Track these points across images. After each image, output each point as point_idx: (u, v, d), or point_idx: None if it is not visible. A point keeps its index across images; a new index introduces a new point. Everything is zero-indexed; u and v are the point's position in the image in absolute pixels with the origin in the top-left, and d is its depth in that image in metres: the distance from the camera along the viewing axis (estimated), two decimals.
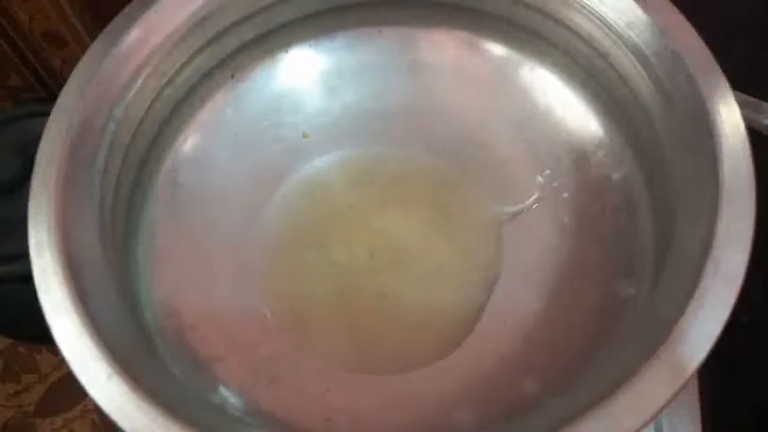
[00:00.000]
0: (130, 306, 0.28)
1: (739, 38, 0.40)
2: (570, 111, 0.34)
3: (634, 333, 0.26)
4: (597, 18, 0.31)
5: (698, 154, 0.27)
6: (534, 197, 0.33)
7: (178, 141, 0.34)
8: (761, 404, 0.42)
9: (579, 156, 0.33)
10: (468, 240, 0.32)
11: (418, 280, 0.31)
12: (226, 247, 0.32)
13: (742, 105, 0.27)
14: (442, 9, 0.35)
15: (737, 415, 0.43)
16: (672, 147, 0.28)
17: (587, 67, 0.33)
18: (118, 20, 0.30)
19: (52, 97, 0.29)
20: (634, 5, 0.29)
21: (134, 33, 0.30)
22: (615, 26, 0.30)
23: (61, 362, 0.40)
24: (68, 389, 0.60)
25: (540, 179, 0.33)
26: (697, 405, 0.31)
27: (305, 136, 0.35)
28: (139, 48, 0.30)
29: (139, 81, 0.30)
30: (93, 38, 0.30)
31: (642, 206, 0.31)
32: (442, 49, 0.36)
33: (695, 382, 0.31)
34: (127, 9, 0.30)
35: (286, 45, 0.36)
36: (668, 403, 0.22)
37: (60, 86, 0.28)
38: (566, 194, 0.32)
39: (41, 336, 0.23)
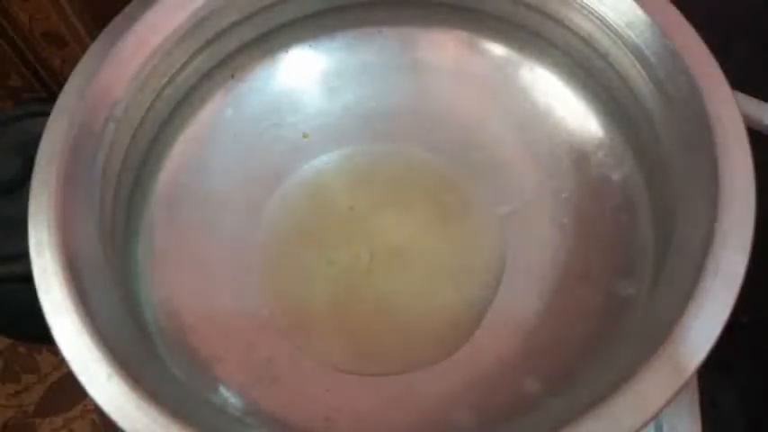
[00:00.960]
0: (130, 306, 0.28)
1: (739, 38, 0.40)
2: (570, 111, 0.34)
3: (634, 333, 0.26)
4: (597, 18, 0.31)
5: (698, 154, 0.27)
6: (534, 197, 0.33)
7: (178, 141, 0.34)
8: (761, 404, 0.42)
9: (579, 156, 0.33)
10: (469, 241, 0.32)
11: (419, 281, 0.31)
12: (226, 248, 0.32)
13: (742, 105, 0.27)
14: (442, 9, 0.35)
15: (737, 415, 0.43)
16: (672, 147, 0.28)
17: (587, 68, 0.33)
18: (118, 20, 0.30)
19: (52, 97, 0.29)
20: (634, 6, 0.29)
21: (134, 33, 0.30)
22: (615, 26, 0.30)
23: (61, 362, 0.40)
24: (68, 389, 0.60)
25: (540, 179, 0.33)
26: (697, 405, 0.31)
27: (305, 136, 0.35)
28: (139, 48, 0.30)
29: (139, 81, 0.30)
30: (93, 38, 0.30)
31: (642, 206, 0.31)
32: (442, 49, 0.36)
33: (695, 382, 0.31)
34: (127, 9, 0.30)
35: (286, 45, 0.36)
36: (668, 403, 0.22)
37: (60, 86, 0.28)
38: (566, 194, 0.32)
39: (41, 336, 0.23)
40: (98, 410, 0.22)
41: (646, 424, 0.21)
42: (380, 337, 0.30)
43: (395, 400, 0.28)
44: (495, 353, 0.29)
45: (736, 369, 0.40)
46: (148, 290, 0.30)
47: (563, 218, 0.32)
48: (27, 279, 0.24)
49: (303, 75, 0.36)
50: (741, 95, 0.28)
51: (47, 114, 0.28)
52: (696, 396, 0.31)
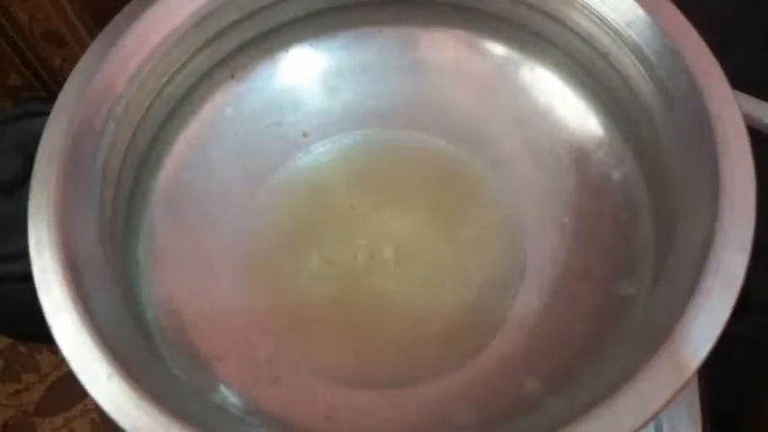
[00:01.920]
0: (130, 306, 0.28)
1: (739, 38, 0.40)
2: (570, 110, 0.34)
3: (634, 333, 0.26)
4: (597, 17, 0.31)
5: (698, 154, 0.27)
6: (534, 196, 0.33)
7: (178, 140, 0.34)
8: (761, 404, 0.42)
9: (579, 155, 0.33)
10: (469, 240, 0.32)
11: (419, 280, 0.31)
12: (226, 247, 0.32)
13: (742, 105, 0.27)
14: (443, 9, 0.35)
15: (737, 415, 0.43)
16: (672, 147, 0.28)
17: (587, 67, 0.33)
18: (118, 19, 0.30)
19: (52, 97, 0.29)
20: (634, 5, 0.29)
21: (134, 32, 0.30)
22: (615, 26, 0.30)
23: (61, 361, 0.40)
24: (68, 388, 0.60)
25: (539, 178, 0.33)
26: (697, 405, 0.31)
27: (305, 135, 0.35)
28: (139, 47, 0.30)
29: (139, 80, 0.30)
30: (93, 37, 0.30)
31: (642, 206, 0.31)
32: (443, 48, 0.36)
33: (695, 382, 0.31)
34: (127, 8, 0.30)
35: (286, 44, 0.36)
36: (668, 403, 0.22)
37: (60, 86, 0.28)
38: (565, 194, 0.32)
39: (42, 335, 0.23)
40: (98, 410, 0.22)
41: (646, 424, 0.21)
42: (380, 337, 0.30)
43: (395, 400, 0.28)
44: (496, 353, 0.29)
45: (736, 369, 0.40)
46: (148, 289, 0.30)
47: (563, 217, 0.32)
48: (27, 279, 0.24)
49: (303, 74, 0.36)
50: (741, 95, 0.28)
51: (47, 114, 0.28)
52: (696, 396, 0.31)
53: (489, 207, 0.33)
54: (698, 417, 0.31)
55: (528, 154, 0.34)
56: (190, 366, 0.29)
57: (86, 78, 0.28)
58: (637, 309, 0.28)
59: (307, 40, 0.36)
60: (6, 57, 0.53)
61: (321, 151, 0.34)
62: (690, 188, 0.27)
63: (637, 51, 0.30)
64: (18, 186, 0.47)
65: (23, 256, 0.25)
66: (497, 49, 0.36)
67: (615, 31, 0.30)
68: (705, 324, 0.23)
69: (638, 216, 0.31)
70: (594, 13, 0.31)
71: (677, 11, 0.29)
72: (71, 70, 0.29)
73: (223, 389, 0.28)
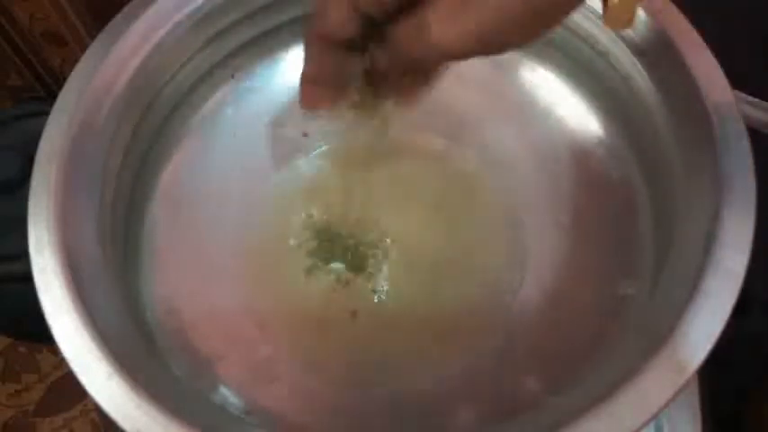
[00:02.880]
0: (130, 306, 0.28)
1: (739, 38, 0.40)
2: (570, 110, 0.34)
3: (634, 333, 0.26)
4: (597, 17, 0.31)
5: (698, 154, 0.27)
6: (534, 196, 0.33)
7: (178, 140, 0.34)
8: (761, 404, 0.42)
9: (579, 155, 0.33)
10: (470, 240, 0.32)
11: (420, 280, 0.31)
12: (226, 247, 0.32)
13: (742, 105, 0.27)
14: None
15: (737, 415, 0.43)
16: (672, 146, 0.28)
17: (587, 67, 0.33)
18: (118, 19, 0.30)
19: (52, 97, 0.29)
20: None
21: (134, 33, 0.30)
22: None
23: (61, 361, 0.40)
24: (68, 388, 0.60)
25: (540, 178, 0.33)
26: (697, 405, 0.31)
27: (305, 135, 0.35)
28: (139, 47, 0.30)
29: (139, 81, 0.30)
30: (93, 37, 0.30)
31: (642, 206, 0.31)
32: None
33: (695, 382, 0.31)
34: (126, 8, 0.30)
35: (286, 44, 0.36)
36: (668, 403, 0.22)
37: (60, 86, 0.28)
38: (566, 194, 0.32)
39: (42, 335, 0.23)
40: (98, 410, 0.22)
41: (646, 423, 0.21)
42: (381, 337, 0.30)
43: (395, 399, 0.28)
44: (496, 352, 0.29)
45: (736, 369, 0.40)
46: (149, 289, 0.30)
47: (563, 217, 0.32)
48: (27, 278, 0.24)
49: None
50: (741, 95, 0.28)
51: (47, 114, 0.28)
52: (696, 396, 0.31)
53: (489, 207, 0.33)
54: (698, 417, 0.31)
55: (528, 154, 0.34)
56: (190, 366, 0.29)
57: (86, 78, 0.28)
58: (637, 309, 0.28)
59: None
60: (6, 57, 0.53)
61: (321, 151, 0.34)
62: (690, 188, 0.27)
63: (637, 51, 0.30)
64: (18, 186, 0.47)
65: (23, 256, 0.25)
66: None
67: (615, 30, 0.30)
68: (705, 324, 0.23)
69: (638, 216, 0.31)
70: (594, 13, 0.31)
71: (677, 11, 0.29)
72: (71, 70, 0.29)
73: (223, 388, 0.28)
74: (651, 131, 0.30)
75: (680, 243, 0.26)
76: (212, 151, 0.34)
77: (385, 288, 0.31)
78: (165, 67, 0.31)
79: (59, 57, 0.53)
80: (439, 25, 0.20)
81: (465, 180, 0.33)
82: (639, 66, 0.30)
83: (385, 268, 0.31)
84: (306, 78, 0.24)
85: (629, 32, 0.30)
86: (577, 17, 0.32)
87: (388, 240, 0.32)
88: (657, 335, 0.23)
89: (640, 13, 0.29)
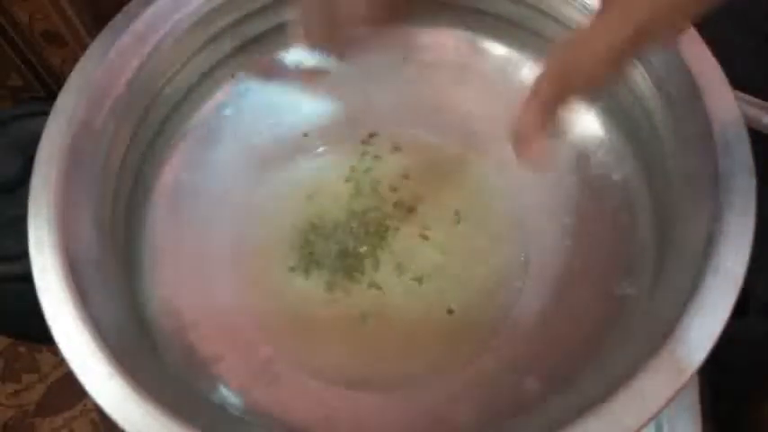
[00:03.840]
0: (130, 306, 0.28)
1: (739, 38, 0.40)
2: (570, 110, 0.34)
3: (634, 333, 0.26)
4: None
5: (698, 154, 0.27)
6: (534, 197, 0.33)
7: (178, 140, 0.34)
8: (760, 404, 0.42)
9: (579, 155, 0.33)
10: (470, 242, 0.32)
11: (420, 281, 0.31)
12: (226, 247, 0.32)
13: (742, 105, 0.27)
14: (443, 9, 0.35)
15: (737, 415, 0.43)
16: (672, 146, 0.28)
17: None
18: (117, 19, 0.30)
19: (52, 97, 0.29)
20: None
21: (134, 32, 0.30)
22: None
23: (61, 361, 0.40)
24: (68, 388, 0.60)
25: (540, 179, 0.33)
26: (697, 405, 0.31)
27: (305, 135, 0.35)
28: (139, 47, 0.30)
29: (139, 81, 0.30)
30: (93, 37, 0.30)
31: (642, 206, 0.31)
32: (443, 48, 0.36)
33: (695, 382, 0.31)
34: (126, 8, 0.30)
35: (286, 44, 0.36)
36: (668, 403, 0.22)
37: (60, 86, 0.28)
38: (566, 194, 0.32)
39: (42, 335, 0.23)
40: (98, 410, 0.22)
41: (646, 424, 0.21)
42: (380, 337, 0.30)
43: (395, 400, 0.28)
44: (496, 353, 0.29)
45: (736, 369, 0.40)
46: (148, 289, 0.30)
47: (563, 218, 0.32)
48: (27, 278, 0.24)
49: (303, 74, 0.36)
50: (741, 95, 0.28)
51: (47, 114, 0.28)
52: (696, 396, 0.31)
53: (490, 207, 0.33)
54: (698, 417, 0.31)
55: None
56: (190, 366, 0.29)
57: (86, 78, 0.28)
58: (637, 309, 0.28)
59: None
60: (6, 57, 0.53)
61: (320, 151, 0.34)
62: (690, 188, 0.27)
63: None
64: (18, 186, 0.47)
65: (23, 256, 0.25)
66: (497, 49, 0.36)
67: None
68: (705, 324, 0.23)
69: (638, 216, 0.31)
70: (594, 13, 0.31)
71: None
72: (71, 70, 0.29)
73: (222, 389, 0.28)
74: (651, 132, 0.30)
75: (680, 243, 0.26)
76: (212, 151, 0.34)
77: (385, 289, 0.31)
78: (165, 66, 0.31)
79: (59, 57, 0.53)
80: None
81: (465, 180, 0.33)
82: (640, 66, 0.30)
83: (385, 269, 0.31)
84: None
85: None
86: (578, 17, 0.32)
87: (388, 241, 0.32)
88: (657, 335, 0.23)
89: None
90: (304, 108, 0.35)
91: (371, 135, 0.35)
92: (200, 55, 0.33)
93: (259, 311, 0.30)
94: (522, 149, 0.24)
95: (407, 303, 0.31)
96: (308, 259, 0.32)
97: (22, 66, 0.54)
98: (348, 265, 0.31)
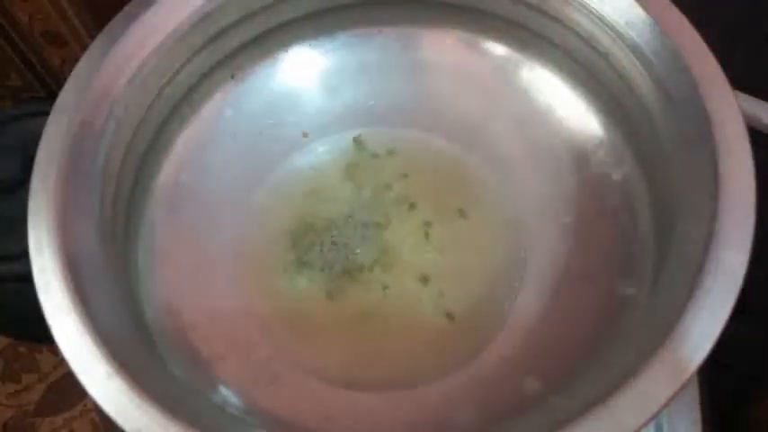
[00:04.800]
0: (130, 306, 0.28)
1: (739, 38, 0.40)
2: (570, 111, 0.34)
3: (634, 333, 0.26)
4: (597, 17, 0.31)
5: (698, 154, 0.27)
6: (534, 197, 0.33)
7: (178, 141, 0.34)
8: (760, 404, 0.42)
9: (579, 155, 0.33)
10: (471, 241, 0.32)
11: (421, 281, 0.31)
12: (226, 247, 0.32)
13: (742, 105, 0.27)
14: (442, 9, 0.35)
15: (737, 415, 0.43)
16: (672, 146, 0.28)
17: (587, 67, 0.33)
18: (118, 19, 0.30)
19: (52, 97, 0.29)
20: (634, 5, 0.29)
21: (134, 33, 0.30)
22: (615, 25, 0.30)
23: (61, 361, 0.40)
24: (68, 388, 0.60)
25: (540, 179, 0.33)
26: (697, 405, 0.31)
27: (305, 135, 0.35)
28: (139, 47, 0.30)
29: (139, 80, 0.30)
30: (92, 38, 0.30)
31: (642, 206, 0.31)
32: (443, 48, 0.36)
33: (695, 382, 0.31)
34: (126, 8, 0.30)
35: (286, 45, 0.36)
36: (668, 403, 0.22)
37: (60, 86, 0.28)
38: (566, 194, 0.32)
39: (42, 335, 0.23)
40: (98, 410, 0.22)
41: (646, 424, 0.21)
42: (380, 338, 0.30)
43: (395, 400, 0.28)
44: (496, 353, 0.29)
45: (736, 369, 0.40)
46: (148, 290, 0.30)
47: (563, 217, 0.32)
48: (27, 278, 0.24)
49: (303, 74, 0.36)
50: (741, 95, 0.28)
51: (47, 114, 0.28)
52: (696, 396, 0.31)
53: (489, 207, 0.33)
54: (698, 417, 0.31)
55: (528, 154, 0.34)
56: (190, 366, 0.29)
57: (86, 78, 0.28)
58: (637, 309, 0.28)
59: (306, 40, 0.36)
60: (6, 57, 0.53)
61: (321, 151, 0.34)
62: (690, 188, 0.27)
63: (637, 51, 0.30)
64: (18, 186, 0.47)
65: (23, 256, 0.25)
66: (497, 49, 0.36)
67: (615, 31, 0.30)
68: (705, 324, 0.23)
69: (638, 216, 0.31)
70: (594, 13, 0.31)
71: (677, 10, 0.29)
72: (71, 70, 0.29)
73: (223, 389, 0.28)
74: (651, 132, 0.30)
75: (680, 243, 0.26)
76: (212, 151, 0.34)
77: (385, 289, 0.31)
78: (166, 66, 0.31)
79: (59, 57, 0.53)
80: None
81: (465, 180, 0.33)
82: (639, 66, 0.30)
83: (385, 269, 0.31)
84: None
85: (629, 32, 0.30)
86: (578, 17, 0.32)
87: (387, 241, 0.32)
88: (657, 335, 0.23)
89: (640, 13, 0.29)
90: (304, 108, 0.35)
91: (371, 135, 0.35)
92: (200, 55, 0.33)
93: (259, 311, 0.30)
94: None
95: (407, 303, 0.31)
96: (308, 259, 0.32)
97: (22, 66, 0.54)
98: (348, 264, 0.31)
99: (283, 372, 0.29)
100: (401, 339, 0.30)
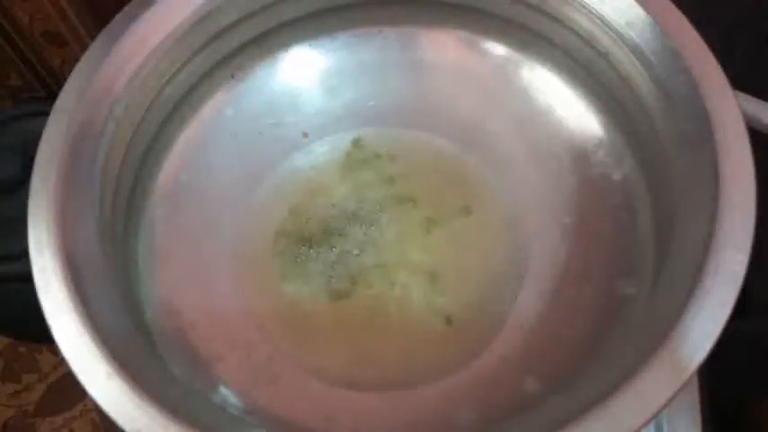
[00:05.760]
0: (130, 306, 0.28)
1: (739, 37, 0.40)
2: (570, 111, 0.34)
3: (634, 333, 0.26)
4: (597, 17, 0.31)
5: (698, 154, 0.27)
6: (534, 197, 0.33)
7: (178, 141, 0.34)
8: (760, 404, 0.42)
9: (579, 155, 0.33)
10: (471, 241, 0.32)
11: (421, 282, 0.31)
12: (226, 247, 0.32)
13: (742, 105, 0.27)
14: (442, 9, 0.35)
15: (737, 415, 0.43)
16: (672, 146, 0.28)
17: (587, 67, 0.33)
18: (118, 19, 0.30)
19: (52, 97, 0.29)
20: (634, 4, 0.29)
21: (134, 32, 0.30)
22: (615, 25, 0.30)
23: (61, 361, 0.40)
24: (68, 388, 0.60)
25: (540, 179, 0.33)
26: (697, 405, 0.31)
27: (305, 135, 0.35)
28: (139, 47, 0.30)
29: (139, 80, 0.30)
30: (93, 38, 0.30)
31: (642, 206, 0.31)
32: (443, 48, 0.36)
33: (695, 382, 0.31)
34: (127, 8, 0.30)
35: (286, 44, 0.36)
36: (668, 403, 0.22)
37: (60, 86, 0.28)
38: (566, 194, 0.32)
39: (42, 335, 0.23)
40: (98, 410, 0.22)
41: (646, 424, 0.21)
42: (380, 338, 0.30)
43: (395, 400, 0.28)
44: (496, 353, 0.29)
45: (736, 369, 0.40)
46: (148, 289, 0.30)
47: (563, 217, 0.32)
48: (27, 279, 0.24)
49: (303, 74, 0.36)
50: (741, 95, 0.28)
51: (47, 114, 0.28)
52: (696, 396, 0.31)
53: (490, 207, 0.33)
54: (698, 417, 0.31)
55: (528, 154, 0.34)
56: (190, 366, 0.29)
57: (86, 78, 0.28)
58: (637, 309, 0.28)
59: (307, 40, 0.36)
60: (7, 57, 0.53)
61: (321, 151, 0.34)
62: (690, 188, 0.27)
63: (637, 51, 0.30)
64: (18, 186, 0.47)
65: (23, 256, 0.25)
66: (497, 49, 0.36)
67: (615, 31, 0.30)
68: (705, 324, 0.23)
69: (638, 216, 0.31)
70: (594, 13, 0.31)
71: (677, 10, 0.29)
72: (71, 70, 0.29)
73: (223, 389, 0.28)
74: (651, 132, 0.30)
75: (680, 243, 0.26)
76: (212, 151, 0.34)
77: (385, 289, 0.31)
78: (166, 66, 0.31)
79: (59, 57, 0.53)
80: None
81: (465, 180, 0.33)
82: (639, 66, 0.30)
83: (384, 269, 0.31)
84: None
85: (629, 32, 0.30)
86: (578, 17, 0.32)
87: (387, 241, 0.32)
88: (657, 335, 0.23)
89: (640, 13, 0.29)
90: (304, 108, 0.35)
91: (371, 135, 0.35)
92: (200, 55, 0.33)
93: (259, 311, 0.30)
94: None
95: (407, 303, 0.31)
96: (309, 259, 0.32)
97: (22, 66, 0.54)
98: (348, 264, 0.31)
99: (283, 372, 0.29)
100: (401, 339, 0.30)
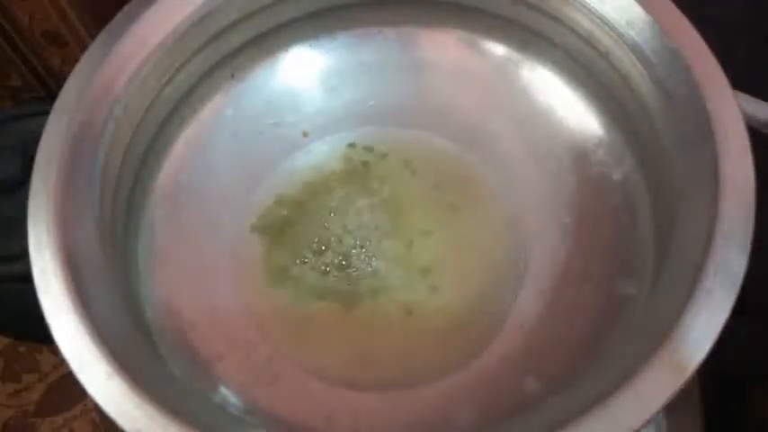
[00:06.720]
0: (130, 306, 0.28)
1: (739, 38, 0.40)
2: (570, 110, 0.34)
3: (634, 333, 0.26)
4: (597, 17, 0.31)
5: (698, 153, 0.27)
6: (534, 197, 0.33)
7: (178, 141, 0.34)
8: (760, 404, 0.42)
9: (579, 155, 0.33)
10: (472, 241, 0.32)
11: (421, 282, 0.31)
12: (226, 247, 0.32)
13: (742, 105, 0.27)
14: (442, 9, 0.35)
15: (737, 415, 0.43)
16: (672, 146, 0.28)
17: (587, 67, 0.33)
18: (117, 19, 0.30)
19: (52, 97, 0.29)
20: (634, 4, 0.29)
21: (134, 33, 0.30)
22: (615, 25, 0.30)
23: (61, 361, 0.40)
24: (69, 388, 0.60)
25: (540, 179, 0.33)
26: (697, 405, 0.31)
27: (305, 135, 0.35)
28: (139, 47, 0.30)
29: (139, 80, 0.30)
30: (93, 38, 0.30)
31: (642, 206, 0.31)
32: (443, 48, 0.36)
33: (695, 382, 0.31)
34: (126, 8, 0.30)
35: (286, 44, 0.36)
36: (668, 403, 0.22)
37: (60, 86, 0.28)
38: (566, 194, 0.32)
39: (42, 335, 0.23)
40: (98, 410, 0.22)
41: (646, 424, 0.21)
42: (380, 338, 0.30)
43: (395, 400, 0.28)
44: (496, 353, 0.29)
45: (736, 369, 0.40)
46: (148, 289, 0.30)
47: (563, 217, 0.32)
48: (27, 279, 0.24)
49: (303, 74, 0.36)
50: (741, 95, 0.28)
51: (47, 114, 0.28)
52: (696, 396, 0.31)
53: (489, 207, 0.33)
54: (698, 417, 0.31)
55: (528, 154, 0.34)
56: (190, 366, 0.29)
57: (86, 78, 0.28)
58: (637, 309, 0.28)
59: (307, 40, 0.36)
60: (7, 57, 0.53)
61: (321, 151, 0.34)
62: (690, 188, 0.27)
63: (637, 51, 0.30)
64: (18, 186, 0.47)
65: (23, 256, 0.25)
66: (497, 49, 0.36)
67: (615, 30, 0.30)
68: (705, 324, 0.23)
69: (638, 216, 0.31)
70: (594, 13, 0.31)
71: (677, 10, 0.29)
72: (71, 70, 0.29)
73: (223, 389, 0.28)
74: (651, 132, 0.30)
75: (680, 243, 0.26)
76: (212, 151, 0.34)
77: (385, 288, 0.31)
78: (165, 66, 0.31)
79: (59, 57, 0.53)
80: None
81: (465, 180, 0.33)
82: (639, 65, 0.30)
83: (385, 269, 0.31)
84: None
85: (629, 32, 0.30)
86: (578, 17, 0.32)
87: (387, 240, 0.32)
88: (657, 335, 0.23)
89: (640, 13, 0.29)
90: (304, 108, 0.35)
91: (371, 135, 0.35)
92: (199, 55, 0.33)
93: (259, 311, 0.30)
94: None
95: (408, 303, 0.31)
96: (308, 259, 0.32)
97: (22, 66, 0.54)
98: (348, 264, 0.31)
99: (283, 372, 0.29)
100: (401, 339, 0.30)
